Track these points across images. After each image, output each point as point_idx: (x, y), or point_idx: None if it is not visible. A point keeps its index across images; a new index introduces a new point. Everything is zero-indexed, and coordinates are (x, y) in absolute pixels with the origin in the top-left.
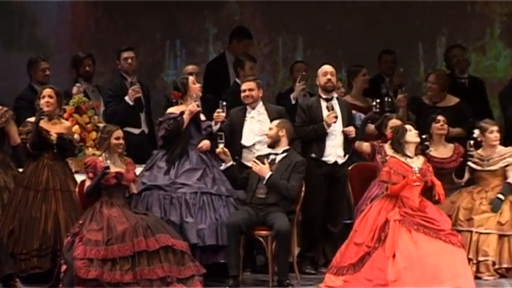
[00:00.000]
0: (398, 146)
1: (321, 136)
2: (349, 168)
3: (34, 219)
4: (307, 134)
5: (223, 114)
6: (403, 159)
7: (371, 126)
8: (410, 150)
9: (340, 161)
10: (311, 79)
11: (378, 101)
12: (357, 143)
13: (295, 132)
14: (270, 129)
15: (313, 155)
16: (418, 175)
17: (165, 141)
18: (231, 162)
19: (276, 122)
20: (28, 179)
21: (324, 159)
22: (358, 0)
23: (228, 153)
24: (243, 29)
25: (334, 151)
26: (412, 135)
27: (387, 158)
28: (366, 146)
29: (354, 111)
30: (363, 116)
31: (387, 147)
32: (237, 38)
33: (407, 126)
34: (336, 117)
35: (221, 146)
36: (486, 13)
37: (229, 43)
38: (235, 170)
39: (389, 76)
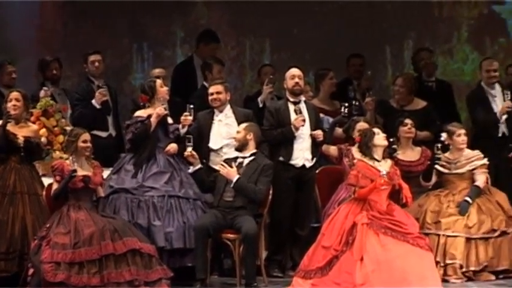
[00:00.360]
0: (366, 149)
1: (288, 139)
2: (317, 171)
3: (1, 222)
4: (275, 137)
5: (191, 118)
6: (370, 162)
7: (339, 130)
8: (378, 153)
9: (308, 164)
10: (278, 82)
11: (345, 105)
12: (324, 147)
13: (263, 136)
14: (238, 132)
15: (280, 159)
16: (386, 179)
17: (132, 144)
18: (199, 166)
19: (243, 125)
20: None
21: (292, 162)
22: (326, 1)
23: (197, 156)
24: (210, 32)
25: (301, 154)
26: (380, 138)
27: (355, 161)
28: (333, 150)
29: (321, 115)
30: (330, 119)
31: (354, 151)
32: (204, 42)
33: (376, 130)
34: (304, 120)
35: (189, 149)
36: (453, 16)
37: (196, 46)
38: (203, 173)
39: (357, 79)
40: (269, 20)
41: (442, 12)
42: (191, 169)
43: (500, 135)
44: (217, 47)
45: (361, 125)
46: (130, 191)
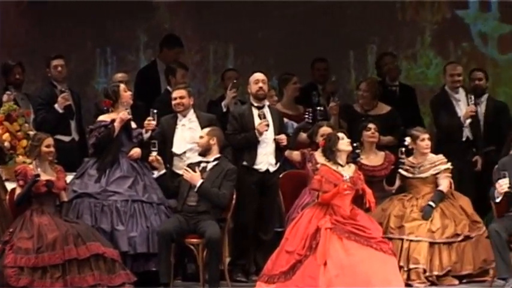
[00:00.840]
0: (330, 154)
1: (252, 144)
2: (280, 176)
3: None
4: (238, 142)
5: (154, 122)
6: (334, 167)
7: (303, 135)
8: (342, 158)
9: (272, 169)
10: (242, 87)
11: (310, 110)
12: (287, 152)
13: (227, 140)
14: (201, 137)
15: (244, 163)
16: (349, 184)
17: (95, 149)
18: (164, 171)
19: (206, 130)
20: None
21: (256, 167)
22: (290, 5)
23: (161, 161)
24: (174, 37)
25: (265, 159)
26: (344, 143)
27: (318, 165)
28: (296, 155)
29: (285, 120)
30: (294, 124)
31: (318, 155)
32: (167, 46)
33: (340, 135)
34: (268, 125)
35: (154, 154)
36: (417, 21)
37: (160, 51)
38: (168, 179)
39: (322, 84)
40: (233, 24)
41: (406, 17)
42: (156, 174)
43: (464, 139)
44: (180, 51)
45: (325, 129)
46: (93, 195)
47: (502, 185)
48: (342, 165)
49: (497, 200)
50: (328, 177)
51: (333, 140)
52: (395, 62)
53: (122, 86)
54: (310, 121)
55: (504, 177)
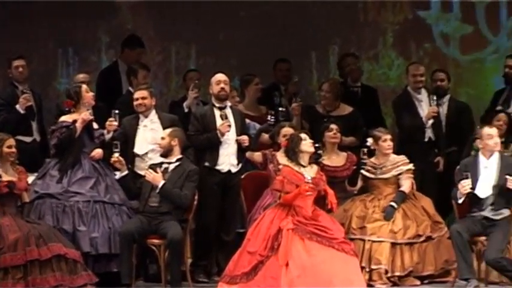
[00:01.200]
0: (293, 154)
1: (214, 145)
2: (242, 177)
3: None
4: (200, 142)
5: (116, 123)
6: (296, 168)
7: (265, 136)
8: (304, 159)
9: (234, 169)
10: (204, 87)
11: (272, 112)
12: (249, 153)
13: (189, 141)
14: (162, 138)
15: (206, 164)
16: (311, 184)
17: (57, 149)
18: (126, 172)
19: (167, 131)
20: None
21: (218, 167)
22: (252, 6)
23: (123, 162)
24: (135, 37)
25: (227, 160)
26: (307, 144)
27: (280, 166)
28: (257, 156)
29: (247, 121)
30: (256, 125)
31: (280, 156)
32: (129, 47)
33: (303, 135)
34: (230, 126)
35: (116, 154)
36: (379, 22)
37: (121, 52)
38: (130, 180)
39: (284, 84)
40: (195, 25)
41: (367, 18)
42: (118, 175)
43: (426, 140)
44: (142, 52)
45: (287, 130)
46: (55, 196)
47: (465, 185)
48: (304, 166)
49: (460, 201)
50: (290, 178)
51: (296, 141)
52: (357, 63)
53: (84, 86)
54: (273, 122)
55: (466, 178)
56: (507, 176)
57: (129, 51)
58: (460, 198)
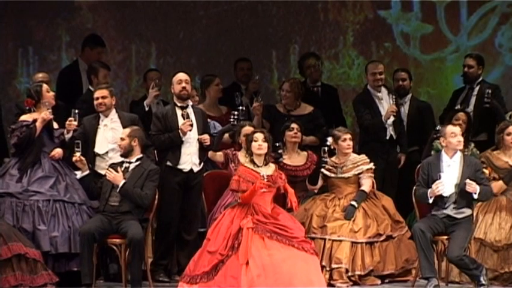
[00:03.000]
0: (250, 154)
1: (176, 144)
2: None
3: None
4: (162, 142)
5: (75, 123)
6: (252, 167)
7: (226, 136)
8: (258, 159)
9: (196, 168)
10: (165, 86)
11: (234, 113)
12: (210, 153)
13: (151, 141)
14: (122, 139)
15: (168, 163)
16: (266, 181)
17: (17, 148)
18: (88, 171)
19: (126, 131)
20: None
21: (180, 167)
22: (212, 1)
23: (85, 161)
24: (96, 36)
25: (189, 159)
26: (255, 146)
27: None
28: (219, 156)
29: (208, 120)
30: (217, 124)
31: (241, 155)
32: (89, 46)
33: (255, 136)
34: (191, 125)
35: (78, 153)
36: (339, 21)
37: (82, 51)
38: (91, 179)
39: (244, 84)
40: (155, 24)
41: (328, 17)
42: (79, 175)
43: (388, 138)
44: (102, 51)
45: (247, 129)
46: (15, 195)
47: (439, 186)
48: (259, 166)
49: (431, 201)
50: (245, 176)
51: (248, 142)
52: (317, 62)
53: (45, 86)
54: (235, 123)
55: (439, 178)
56: (467, 180)
57: (90, 50)
58: (431, 197)
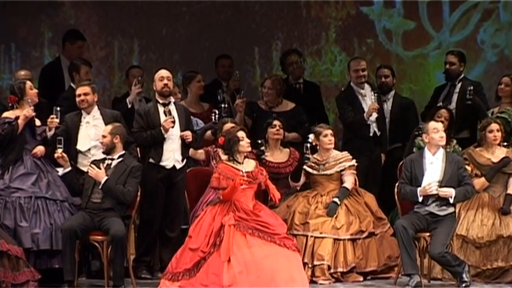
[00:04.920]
0: (230, 152)
1: (158, 141)
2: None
3: None
4: (145, 139)
5: (57, 120)
6: (232, 164)
7: (208, 133)
8: (241, 156)
9: (179, 165)
10: (147, 83)
11: (216, 111)
12: (192, 151)
13: (133, 138)
14: (104, 137)
15: (150, 160)
16: (245, 177)
17: None
18: (70, 168)
19: (108, 128)
20: None
21: (162, 164)
22: (194, 1)
23: (67, 158)
24: (75, 31)
25: (172, 156)
26: (244, 145)
27: None
28: (200, 154)
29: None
30: (199, 121)
31: (222, 152)
32: (69, 41)
33: (240, 134)
34: (174, 122)
35: (60, 150)
36: (321, 17)
37: (62, 47)
38: (73, 176)
39: (226, 80)
40: (137, 20)
41: (310, 13)
42: (61, 171)
43: (371, 135)
44: (83, 44)
45: (228, 125)
46: None
47: (432, 186)
48: (240, 162)
49: (420, 199)
50: (225, 173)
51: (234, 141)
52: (299, 58)
53: (29, 83)
54: (217, 121)
55: (422, 178)
56: (439, 190)
57: (70, 45)
58: (421, 196)
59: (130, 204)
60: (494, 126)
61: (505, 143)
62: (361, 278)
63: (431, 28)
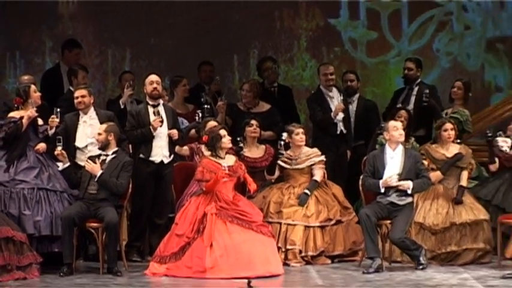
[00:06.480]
0: (213, 148)
1: (148, 138)
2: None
3: None
4: (136, 137)
5: (57, 120)
6: (214, 158)
7: (193, 131)
8: (222, 151)
9: (166, 160)
10: (138, 87)
11: (199, 112)
12: (177, 148)
13: (125, 136)
14: (99, 134)
15: (141, 155)
16: (227, 171)
17: (4, 142)
18: (68, 163)
19: (103, 127)
20: None
21: (151, 159)
22: (179, 10)
23: (65, 154)
24: (73, 40)
25: (160, 151)
26: (226, 142)
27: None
28: (184, 150)
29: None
30: (184, 120)
31: (204, 148)
32: (67, 49)
33: (222, 133)
34: (162, 121)
35: (59, 148)
36: (293, 28)
37: (61, 54)
38: (72, 171)
39: (208, 84)
40: (129, 31)
41: (284, 25)
42: (60, 167)
43: (338, 133)
44: (79, 52)
45: (211, 124)
46: (3, 183)
47: (392, 178)
48: (222, 158)
49: (382, 190)
50: (208, 167)
51: (216, 139)
52: (274, 65)
53: (33, 87)
54: (200, 121)
55: (384, 172)
56: (398, 183)
57: (68, 53)
58: (382, 187)
59: (123, 195)
60: (448, 125)
61: (458, 140)
62: (329, 261)
63: (391, 38)
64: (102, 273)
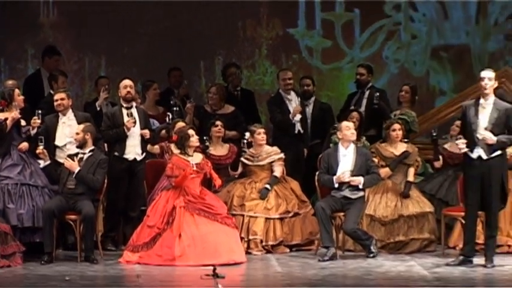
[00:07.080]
0: (182, 147)
1: (122, 138)
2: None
3: None
4: (111, 136)
5: (39, 121)
6: (183, 156)
7: (163, 131)
8: (190, 150)
9: (138, 158)
10: (112, 90)
11: (169, 114)
12: (149, 147)
13: (101, 136)
14: (77, 134)
15: (116, 153)
16: (194, 168)
17: None
18: (49, 161)
19: (81, 127)
20: None
21: (125, 156)
22: (151, 20)
23: (46, 153)
24: (53, 47)
25: (133, 150)
26: (194, 141)
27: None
28: (155, 149)
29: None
30: (155, 121)
31: (173, 147)
32: (48, 55)
33: (190, 132)
34: (135, 122)
35: (41, 147)
36: (255, 37)
37: (42, 61)
38: (53, 168)
39: (177, 88)
40: (104, 40)
41: (246, 34)
42: (42, 164)
43: (296, 132)
44: (59, 59)
45: (180, 124)
46: None
47: (345, 174)
48: (190, 155)
49: (336, 186)
50: (178, 164)
51: (185, 138)
52: (237, 71)
53: (17, 90)
54: (170, 122)
55: (337, 169)
56: (351, 179)
57: (48, 59)
58: (336, 183)
59: (99, 190)
60: (396, 125)
61: (405, 140)
62: (288, 250)
63: (345, 46)
64: (80, 261)
